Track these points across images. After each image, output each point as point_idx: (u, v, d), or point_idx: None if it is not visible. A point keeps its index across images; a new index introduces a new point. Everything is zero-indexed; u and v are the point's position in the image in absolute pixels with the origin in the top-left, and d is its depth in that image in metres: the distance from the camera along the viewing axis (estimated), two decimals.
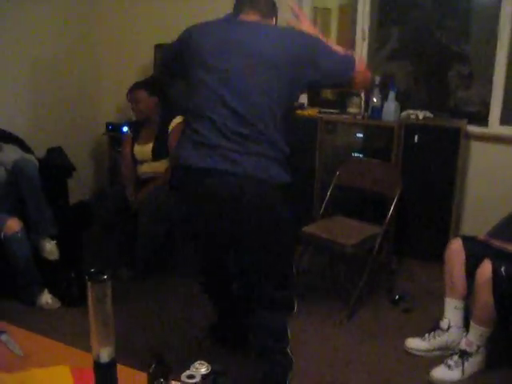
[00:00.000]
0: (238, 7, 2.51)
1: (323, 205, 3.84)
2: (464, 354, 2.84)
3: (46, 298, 3.43)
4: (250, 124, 2.29)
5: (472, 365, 2.84)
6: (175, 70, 2.73)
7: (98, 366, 1.42)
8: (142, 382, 1.55)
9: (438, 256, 3.17)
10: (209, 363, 1.54)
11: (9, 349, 1.82)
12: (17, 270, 3.32)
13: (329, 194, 3.85)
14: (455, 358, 2.85)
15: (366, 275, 3.48)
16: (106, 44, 5.04)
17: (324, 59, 2.39)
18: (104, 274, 1.34)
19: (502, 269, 2.68)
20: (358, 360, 3.01)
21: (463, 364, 2.82)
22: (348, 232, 3.51)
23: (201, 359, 1.54)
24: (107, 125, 4.80)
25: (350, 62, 2.45)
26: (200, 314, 3.33)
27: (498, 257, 2.79)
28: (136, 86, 3.99)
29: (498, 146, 4.11)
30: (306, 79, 2.39)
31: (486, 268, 2.72)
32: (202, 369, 1.52)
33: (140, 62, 4.85)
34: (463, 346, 2.86)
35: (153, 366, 1.54)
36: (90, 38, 4.96)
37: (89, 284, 1.34)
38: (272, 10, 2.55)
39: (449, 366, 2.84)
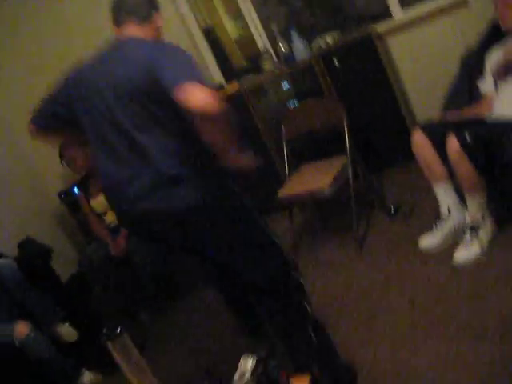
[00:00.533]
0: (117, 20, 2.37)
1: (285, 164, 3.87)
2: (474, 228, 2.91)
3: (88, 377, 3.43)
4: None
5: (486, 233, 2.91)
6: None
7: None
8: None
9: (409, 155, 3.21)
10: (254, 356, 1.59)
11: None
12: (45, 369, 3.30)
13: (285, 151, 3.87)
14: (467, 235, 2.92)
15: (354, 205, 3.53)
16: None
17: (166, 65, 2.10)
18: (117, 328, 1.36)
19: (466, 136, 2.74)
20: (385, 282, 3.06)
21: (477, 237, 2.90)
22: (319, 176, 3.53)
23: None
24: (59, 194, 4.77)
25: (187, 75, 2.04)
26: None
27: (459, 127, 2.85)
28: (64, 146, 3.96)
29: (410, 30, 4.16)
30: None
31: (452, 143, 2.77)
32: (248, 362, 1.55)
33: None
34: (469, 221, 2.93)
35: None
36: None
37: (109, 344, 1.36)
38: (149, 9, 2.37)
39: (466, 245, 2.91)
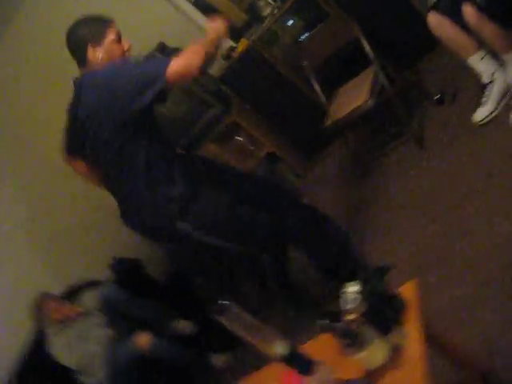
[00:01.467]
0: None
1: (320, 96, 3.86)
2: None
3: (217, 360, 3.60)
4: None
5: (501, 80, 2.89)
6: None
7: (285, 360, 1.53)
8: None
9: (432, 40, 3.15)
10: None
11: None
12: (179, 366, 3.49)
13: (315, 84, 3.86)
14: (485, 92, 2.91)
15: (400, 107, 3.51)
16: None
17: (126, 80, 2.44)
18: (223, 302, 1.45)
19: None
20: (458, 168, 3.05)
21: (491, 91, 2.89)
22: (356, 94, 3.54)
23: None
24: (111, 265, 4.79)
25: (160, 64, 2.45)
26: None
27: None
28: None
29: None
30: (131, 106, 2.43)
31: (468, 12, 2.72)
32: (354, 288, 1.61)
33: None
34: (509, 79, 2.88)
35: None
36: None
37: (221, 319, 1.44)
38: (82, 51, 2.54)
39: (481, 104, 2.93)
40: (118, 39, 2.56)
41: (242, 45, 4.34)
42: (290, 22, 4.14)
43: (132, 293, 3.70)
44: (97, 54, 2.52)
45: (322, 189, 4.15)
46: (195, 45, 2.45)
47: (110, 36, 2.53)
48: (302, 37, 4.13)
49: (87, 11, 2.63)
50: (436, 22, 2.97)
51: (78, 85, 2.55)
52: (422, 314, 1.59)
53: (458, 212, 2.78)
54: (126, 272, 4.24)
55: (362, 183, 3.55)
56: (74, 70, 2.65)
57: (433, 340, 1.71)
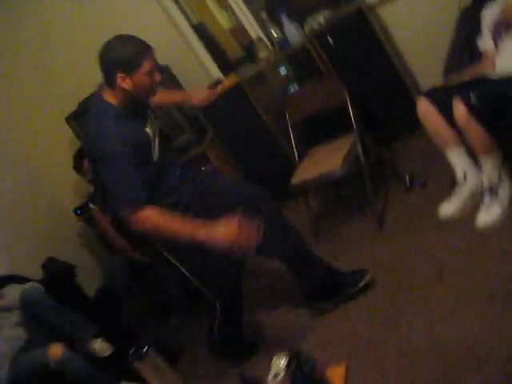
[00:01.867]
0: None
1: (294, 150, 3.82)
2: (492, 189, 2.87)
3: None
4: None
5: (505, 193, 2.87)
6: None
7: None
8: None
9: (416, 124, 3.16)
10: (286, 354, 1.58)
11: None
12: None
13: (292, 138, 3.83)
14: (487, 197, 2.88)
15: (369, 181, 3.49)
16: (30, 147, 5.03)
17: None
18: (142, 348, 1.36)
19: (471, 97, 2.71)
20: (409, 255, 3.04)
21: (498, 196, 2.86)
22: (329, 158, 3.50)
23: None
24: (75, 211, 4.78)
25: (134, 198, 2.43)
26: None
27: (463, 89, 2.81)
28: (79, 159, 4.04)
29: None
30: None
31: (458, 106, 2.74)
32: (281, 361, 1.54)
33: (63, 141, 4.82)
34: (486, 182, 2.89)
35: None
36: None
37: (136, 364, 1.36)
38: (111, 74, 2.44)
39: (487, 208, 2.88)
40: (151, 71, 2.44)
41: (231, 79, 4.32)
42: (283, 71, 4.11)
43: (57, 299, 3.55)
44: (125, 83, 2.42)
45: None
46: (182, 224, 2.41)
47: (145, 68, 2.41)
48: (291, 88, 4.11)
49: None
50: (425, 108, 3.00)
51: (91, 104, 2.66)
52: None
53: (398, 304, 2.74)
54: (57, 275, 4.13)
55: (314, 246, 3.49)
56: None
57: None
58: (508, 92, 2.71)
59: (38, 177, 5.08)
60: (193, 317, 3.85)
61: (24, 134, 4.94)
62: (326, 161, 3.49)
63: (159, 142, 2.67)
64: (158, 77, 2.48)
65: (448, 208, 3.07)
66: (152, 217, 2.40)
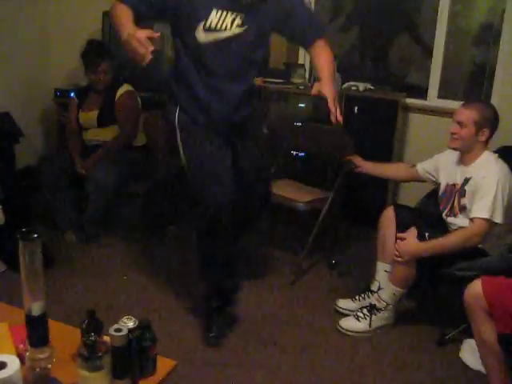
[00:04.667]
0: None
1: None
2: (373, 309, 3.06)
3: None
4: None
5: (380, 319, 3.07)
6: None
7: (29, 319, 1.53)
8: (75, 336, 1.68)
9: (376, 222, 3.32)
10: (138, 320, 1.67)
11: None
12: None
13: (280, 159, 3.97)
14: (364, 310, 3.08)
15: (311, 238, 3.61)
16: (53, 11, 5.03)
17: None
18: (35, 233, 1.44)
19: (426, 234, 2.87)
20: (292, 320, 3.18)
21: (371, 317, 3.05)
22: (300, 192, 3.72)
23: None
24: (55, 91, 4.82)
25: None
26: (142, 274, 3.54)
27: (426, 224, 2.97)
28: (101, 59, 3.98)
29: (435, 118, 4.28)
30: None
31: (410, 234, 2.90)
32: (129, 323, 1.64)
33: (88, 30, 4.85)
34: (373, 300, 3.09)
35: (85, 321, 1.66)
36: (37, 3, 4.93)
37: (20, 243, 1.44)
38: None
39: (357, 318, 3.07)
40: None
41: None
42: (301, 104, 4.25)
43: None
44: None
45: None
46: (120, 19, 2.48)
47: None
48: (298, 123, 4.23)
49: None
50: (387, 215, 3.17)
51: None
52: None
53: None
54: (2, 131, 4.13)
55: None
56: None
57: None
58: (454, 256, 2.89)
59: (44, 36, 5.11)
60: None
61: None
62: (296, 192, 3.72)
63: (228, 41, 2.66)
64: None
65: (347, 304, 3.24)
66: (116, 6, 2.52)
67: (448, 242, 2.85)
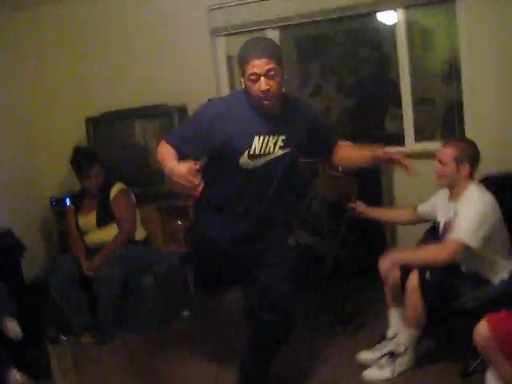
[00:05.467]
0: None
1: None
2: (393, 355, 3.14)
3: (15, 376, 3.51)
4: None
5: (401, 364, 3.14)
6: None
7: None
8: None
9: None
10: None
11: None
12: None
13: None
14: (386, 358, 3.15)
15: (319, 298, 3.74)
16: (36, 122, 5.25)
17: None
18: (63, 336, 1.55)
19: (427, 275, 2.98)
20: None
21: (394, 364, 3.12)
22: None
23: None
24: (51, 200, 4.96)
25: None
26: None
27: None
28: (90, 164, 4.20)
29: (416, 161, 4.40)
30: None
31: (413, 276, 3.02)
32: None
33: (73, 137, 5.00)
34: (393, 345, 3.16)
35: None
36: (19, 117, 5.15)
37: (50, 348, 1.54)
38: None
39: (380, 366, 3.15)
40: (254, 79, 2.57)
41: None
42: None
43: None
44: (242, 80, 2.66)
45: None
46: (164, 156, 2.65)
47: (247, 71, 2.58)
48: None
49: None
50: (385, 264, 3.19)
51: None
52: None
53: None
54: (6, 247, 4.24)
55: None
56: None
57: None
58: (459, 284, 3.01)
59: (31, 151, 5.28)
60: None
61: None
62: None
63: (273, 164, 2.76)
64: (264, 85, 2.55)
65: (367, 355, 3.30)
66: (161, 145, 2.73)
67: (419, 253, 3.11)
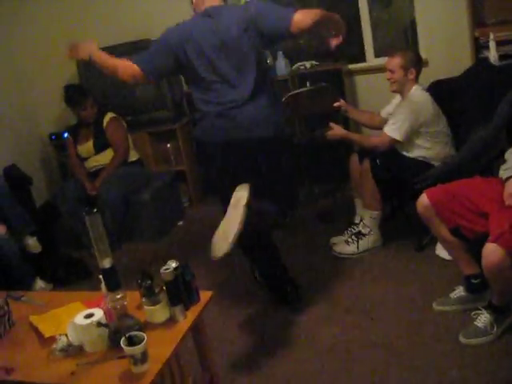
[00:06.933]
0: None
1: None
2: (359, 234, 3.75)
3: (40, 285, 4.05)
4: None
5: (366, 242, 3.75)
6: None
7: (104, 271, 2.16)
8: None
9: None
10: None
11: (31, 305, 2.54)
12: (11, 267, 3.87)
13: None
14: (352, 236, 3.77)
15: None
16: (30, 64, 5.54)
17: None
18: (95, 208, 2.07)
19: (377, 160, 3.58)
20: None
21: (358, 241, 3.74)
22: None
23: None
24: (50, 135, 5.40)
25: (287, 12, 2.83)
26: None
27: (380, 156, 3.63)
28: (84, 97, 4.67)
29: (377, 75, 4.87)
30: None
31: (366, 162, 3.63)
32: (172, 264, 2.25)
33: (65, 74, 5.41)
34: (360, 227, 3.76)
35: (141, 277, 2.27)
36: (12, 55, 5.44)
37: (86, 218, 2.07)
38: None
39: (347, 242, 3.78)
40: None
41: None
42: None
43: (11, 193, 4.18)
44: None
45: None
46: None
47: None
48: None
49: None
50: (353, 161, 3.85)
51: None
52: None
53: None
54: (16, 179, 4.67)
55: None
56: None
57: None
58: (403, 169, 3.58)
59: (27, 90, 5.57)
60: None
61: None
62: None
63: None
64: None
65: (338, 238, 3.89)
66: (303, 13, 2.80)
67: (364, 139, 3.79)
